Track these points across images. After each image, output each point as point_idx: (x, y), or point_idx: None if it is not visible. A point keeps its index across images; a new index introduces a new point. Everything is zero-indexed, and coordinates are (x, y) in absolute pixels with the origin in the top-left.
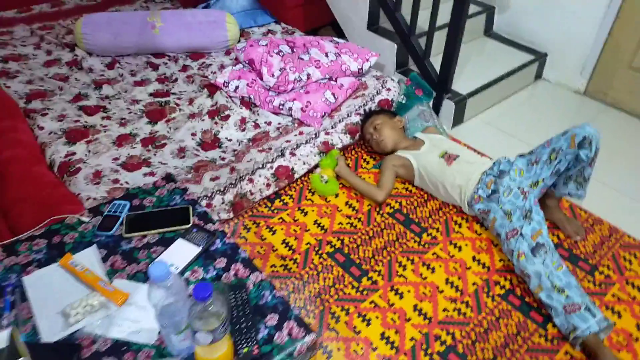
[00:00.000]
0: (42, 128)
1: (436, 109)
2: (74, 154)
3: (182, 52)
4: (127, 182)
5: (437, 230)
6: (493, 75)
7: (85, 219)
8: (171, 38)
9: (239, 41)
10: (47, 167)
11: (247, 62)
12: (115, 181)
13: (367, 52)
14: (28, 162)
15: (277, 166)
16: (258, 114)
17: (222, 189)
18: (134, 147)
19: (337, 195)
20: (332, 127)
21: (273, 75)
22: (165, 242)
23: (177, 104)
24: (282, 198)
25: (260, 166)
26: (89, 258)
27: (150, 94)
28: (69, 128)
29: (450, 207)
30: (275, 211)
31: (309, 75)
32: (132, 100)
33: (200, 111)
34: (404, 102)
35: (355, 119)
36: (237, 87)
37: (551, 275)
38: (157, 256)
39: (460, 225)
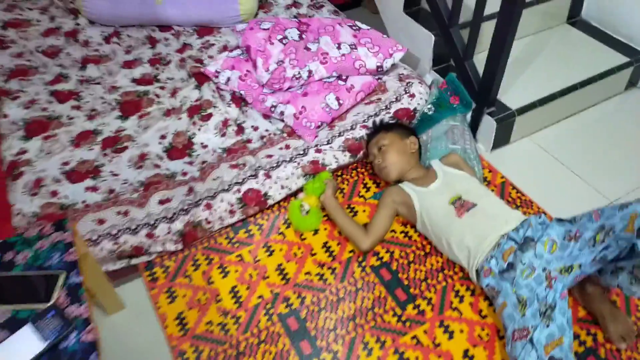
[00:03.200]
0: (6, 116)
1: (474, 125)
2: (25, 152)
3: (190, 25)
4: (66, 197)
5: (429, 302)
6: (567, 80)
7: None
8: (175, 9)
9: (255, 15)
10: None
11: (244, 48)
12: (54, 194)
13: (392, 45)
14: None
15: (247, 189)
16: (247, 116)
17: (170, 215)
18: (91, 149)
19: (316, 232)
20: (328, 143)
21: (268, 70)
22: (17, 323)
23: (157, 95)
24: (249, 228)
25: (226, 188)
26: None
27: (134, 80)
28: (32, 118)
29: (456, 269)
30: (237, 245)
31: (310, 73)
32: (110, 87)
33: (180, 106)
34: (430, 113)
35: (361, 132)
36: (228, 79)
37: None
38: None
39: (461, 299)
